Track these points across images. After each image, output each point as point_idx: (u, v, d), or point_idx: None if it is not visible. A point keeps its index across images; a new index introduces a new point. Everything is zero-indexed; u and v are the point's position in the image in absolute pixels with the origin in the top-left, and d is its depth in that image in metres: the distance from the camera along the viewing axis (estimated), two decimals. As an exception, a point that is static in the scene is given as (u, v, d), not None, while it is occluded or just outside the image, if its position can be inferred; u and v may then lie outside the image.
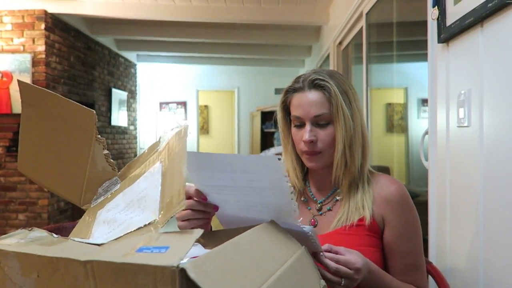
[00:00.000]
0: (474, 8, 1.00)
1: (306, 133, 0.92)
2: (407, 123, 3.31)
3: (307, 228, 0.69)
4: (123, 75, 6.07)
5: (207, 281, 0.41)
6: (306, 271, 0.65)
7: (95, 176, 0.74)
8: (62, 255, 0.46)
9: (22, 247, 0.50)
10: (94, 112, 0.72)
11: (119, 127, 5.83)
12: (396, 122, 3.58)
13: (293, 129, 0.97)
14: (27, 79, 3.88)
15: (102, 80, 5.31)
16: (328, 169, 0.96)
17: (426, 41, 1.39)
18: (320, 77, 0.92)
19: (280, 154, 1.03)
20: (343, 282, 0.74)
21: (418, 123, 3.19)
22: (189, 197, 0.75)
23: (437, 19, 1.23)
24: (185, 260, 0.42)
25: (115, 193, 0.71)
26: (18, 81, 0.71)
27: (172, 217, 0.54)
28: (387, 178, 0.97)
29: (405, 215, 0.92)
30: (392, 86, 3.30)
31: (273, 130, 6.69)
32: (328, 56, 4.28)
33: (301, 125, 0.95)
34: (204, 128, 8.58)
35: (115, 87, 5.68)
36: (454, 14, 1.13)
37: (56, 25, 4.17)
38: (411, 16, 2.68)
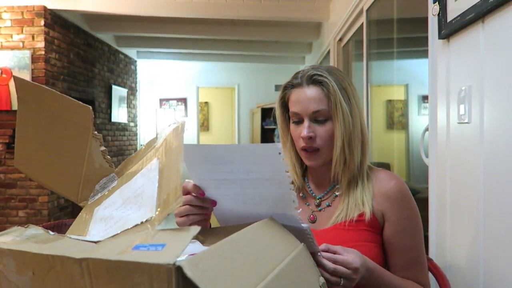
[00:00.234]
0: (475, 4, 0.99)
1: (304, 129, 0.91)
2: (407, 120, 3.30)
3: (305, 225, 0.69)
4: (123, 72, 6.06)
5: (204, 279, 0.40)
6: (305, 269, 0.64)
7: (92, 172, 0.73)
8: (57, 252, 0.45)
9: (17, 244, 0.50)
10: (91, 108, 0.72)
11: (119, 123, 5.82)
12: (396, 119, 3.57)
13: (292, 126, 0.96)
14: (27, 75, 3.87)
15: (102, 77, 5.30)
16: (327, 166, 0.95)
17: (426, 37, 1.38)
18: (319, 73, 0.92)
19: None
20: (341, 282, 0.73)
21: (418, 120, 3.19)
22: (187, 193, 0.75)
23: (438, 15, 1.22)
24: (183, 258, 0.41)
25: (112, 190, 0.71)
26: (14, 77, 0.70)
27: (169, 214, 0.54)
28: (387, 173, 0.97)
29: (405, 210, 0.92)
30: (393, 83, 3.29)
31: (273, 127, 6.69)
32: (328, 53, 4.27)
33: (299, 122, 0.94)
34: (204, 125, 8.58)
35: (115, 84, 5.67)
36: (455, 10, 1.13)
37: (56, 21, 4.15)
38: (411, 13, 2.67)
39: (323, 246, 0.75)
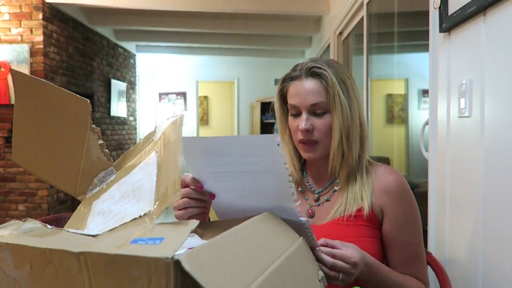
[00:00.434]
0: (477, -4, 0.98)
1: (302, 122, 0.91)
2: (407, 114, 3.30)
3: (303, 219, 0.68)
4: (122, 66, 6.04)
5: (202, 273, 0.40)
6: (304, 262, 0.64)
7: (90, 166, 0.73)
8: (55, 246, 0.45)
9: (14, 238, 0.49)
10: (89, 101, 0.71)
11: (119, 118, 5.81)
12: (396, 113, 3.57)
13: (290, 118, 0.96)
14: (25, 69, 3.86)
15: (101, 71, 5.28)
16: (326, 160, 0.94)
17: (427, 31, 1.37)
18: (317, 65, 0.91)
19: None
20: (340, 277, 0.73)
21: (418, 114, 3.18)
22: (185, 186, 0.74)
23: (439, 8, 1.21)
24: (181, 252, 0.41)
25: (111, 184, 0.71)
26: (11, 70, 0.70)
27: (167, 208, 0.54)
28: (386, 168, 0.96)
29: (404, 205, 0.91)
30: (393, 77, 3.28)
31: (272, 121, 6.68)
32: (328, 47, 4.25)
33: (297, 114, 0.93)
34: (203, 119, 8.57)
35: (114, 78, 5.65)
36: (456, 3, 1.12)
37: (54, 15, 4.13)
38: (412, 6, 2.65)
39: (322, 240, 0.75)
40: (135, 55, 6.57)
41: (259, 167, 0.65)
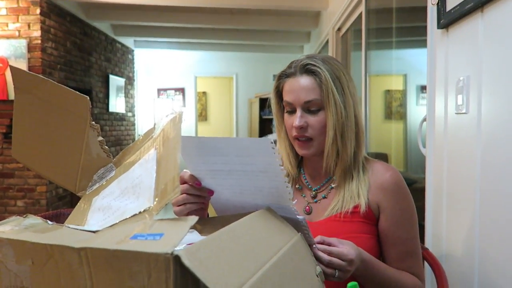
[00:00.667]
0: (475, -7, 0.98)
1: (296, 119, 0.91)
2: (405, 110, 3.30)
3: (300, 217, 0.69)
4: (120, 61, 6.02)
5: (201, 268, 0.41)
6: (302, 258, 0.65)
7: (90, 162, 0.73)
8: (56, 242, 0.46)
9: (16, 234, 0.50)
10: (88, 98, 0.72)
11: (117, 113, 5.81)
12: (394, 109, 3.57)
13: (286, 115, 0.96)
14: (23, 65, 3.84)
15: (99, 66, 5.27)
16: (321, 156, 0.95)
17: (425, 27, 1.38)
18: (312, 62, 0.91)
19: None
20: (336, 274, 0.74)
21: (417, 110, 3.19)
22: (183, 182, 0.75)
23: (437, 4, 1.22)
24: (180, 247, 0.42)
25: (110, 180, 0.71)
26: (11, 66, 0.70)
27: (166, 204, 0.54)
28: (382, 165, 0.97)
29: (400, 202, 0.92)
30: (391, 72, 3.28)
31: (271, 117, 6.65)
32: (327, 42, 4.25)
33: (292, 111, 0.94)
34: (202, 115, 8.56)
35: (112, 74, 5.64)
36: (454, -1, 1.12)
37: (52, 10, 4.11)
38: (410, 2, 2.65)
39: (318, 238, 0.75)
40: (133, 50, 6.55)
41: (255, 167, 0.66)
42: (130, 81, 6.38)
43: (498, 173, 0.92)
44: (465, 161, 1.08)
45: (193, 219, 0.49)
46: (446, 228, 1.22)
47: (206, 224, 0.72)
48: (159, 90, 7.23)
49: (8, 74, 3.83)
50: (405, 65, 3.22)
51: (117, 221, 0.57)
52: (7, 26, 3.91)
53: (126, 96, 6.14)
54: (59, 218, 1.73)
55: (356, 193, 0.92)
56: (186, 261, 0.40)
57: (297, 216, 0.69)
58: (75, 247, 0.44)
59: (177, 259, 0.40)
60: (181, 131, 0.60)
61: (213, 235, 0.48)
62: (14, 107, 0.72)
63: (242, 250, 0.50)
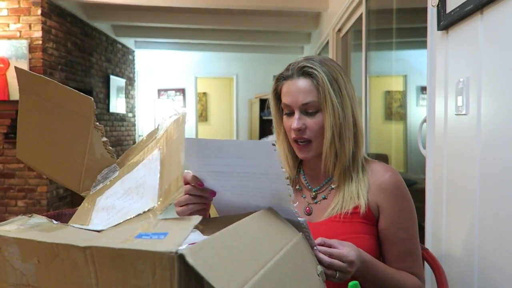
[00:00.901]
0: (474, -5, 0.99)
1: (294, 121, 0.92)
2: (406, 111, 3.31)
3: (301, 219, 0.70)
4: (121, 62, 6.03)
5: (205, 267, 0.42)
6: (303, 257, 0.65)
7: (94, 163, 0.74)
8: (61, 241, 0.46)
9: (22, 233, 0.51)
10: (92, 99, 0.72)
11: (118, 114, 5.81)
12: (395, 109, 3.58)
13: (284, 117, 0.97)
14: (24, 65, 3.85)
15: (100, 67, 5.28)
16: (320, 158, 0.95)
17: (425, 28, 1.38)
18: (309, 65, 0.91)
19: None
20: (337, 275, 0.74)
21: (417, 111, 3.19)
22: (186, 183, 0.76)
23: (437, 6, 1.22)
24: (183, 247, 0.42)
25: (114, 180, 0.72)
26: (16, 67, 0.71)
27: (170, 204, 0.55)
28: (382, 165, 0.97)
29: (400, 202, 0.92)
30: (391, 73, 3.29)
31: (271, 117, 6.66)
32: (327, 43, 4.26)
33: (291, 113, 0.94)
34: (202, 116, 8.56)
35: (113, 74, 5.64)
36: (454, 1, 1.13)
37: (53, 10, 4.12)
38: (411, 3, 2.66)
39: (319, 240, 0.76)
40: (134, 51, 6.56)
41: (257, 169, 0.67)
42: (130, 81, 6.39)
43: (497, 174, 0.93)
44: (465, 162, 1.09)
45: (197, 218, 0.49)
46: (446, 228, 1.22)
47: (208, 224, 0.73)
48: (159, 91, 7.24)
49: (9, 75, 3.83)
50: (405, 66, 3.22)
51: (121, 221, 0.57)
52: (8, 26, 3.92)
53: (126, 96, 6.14)
54: (60, 219, 1.73)
55: (356, 194, 0.93)
56: (190, 260, 0.40)
57: (298, 218, 0.69)
58: (80, 246, 0.44)
59: (181, 257, 0.40)
60: (184, 132, 0.61)
61: (216, 234, 0.49)
62: (19, 108, 0.73)
63: (244, 249, 0.51)
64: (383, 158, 3.03)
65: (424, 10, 1.40)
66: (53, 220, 0.56)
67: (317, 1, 4.14)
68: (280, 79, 0.97)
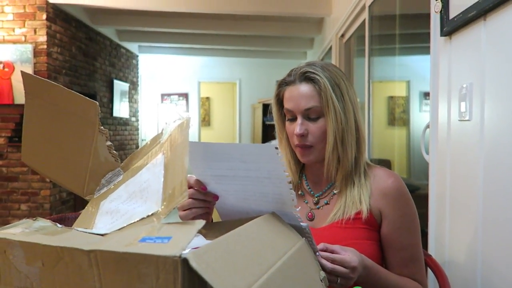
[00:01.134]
0: (477, 1, 1.00)
1: (297, 127, 0.92)
2: (408, 116, 3.31)
3: (304, 224, 0.70)
4: (124, 66, 6.06)
5: (209, 271, 0.42)
6: (306, 262, 0.65)
7: (98, 167, 0.74)
8: (66, 244, 0.47)
9: (26, 236, 0.51)
10: (97, 103, 0.73)
11: (121, 118, 5.83)
12: (397, 115, 3.57)
13: (287, 123, 0.97)
14: (29, 69, 3.88)
15: (104, 71, 5.31)
16: (322, 163, 0.95)
17: (428, 34, 1.39)
18: (311, 70, 0.92)
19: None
20: (338, 281, 0.74)
21: (420, 117, 3.19)
22: (189, 187, 0.76)
23: (440, 12, 1.23)
24: (187, 251, 0.42)
25: (118, 184, 0.72)
26: (22, 72, 0.71)
27: (174, 208, 0.55)
28: (384, 171, 0.97)
29: (402, 208, 0.92)
30: (394, 79, 3.29)
31: (274, 122, 6.67)
32: (330, 49, 4.27)
33: (293, 119, 0.95)
34: (205, 120, 8.58)
35: (116, 78, 5.67)
36: (457, 7, 1.13)
37: (58, 15, 4.15)
38: (414, 9, 2.66)
39: (321, 245, 0.76)
40: (137, 55, 6.59)
41: (260, 173, 0.67)
42: (134, 86, 6.41)
43: (501, 180, 0.92)
44: (468, 168, 1.09)
45: (200, 223, 0.50)
46: (449, 234, 1.22)
47: (210, 229, 0.73)
48: (162, 95, 7.27)
49: (14, 79, 3.86)
50: (408, 71, 3.23)
51: (125, 225, 0.58)
52: (13, 31, 3.95)
53: (130, 101, 6.17)
54: (63, 222, 1.74)
55: (358, 199, 0.92)
56: (193, 264, 0.41)
57: (301, 223, 0.69)
58: (85, 249, 0.45)
59: (185, 261, 0.41)
60: (188, 136, 0.61)
61: (219, 239, 0.49)
62: (25, 112, 0.73)
63: (248, 253, 0.51)
64: (386, 163, 3.02)
65: (427, 16, 1.40)
66: (57, 223, 0.57)
67: (320, 6, 4.16)
68: (282, 84, 0.97)
